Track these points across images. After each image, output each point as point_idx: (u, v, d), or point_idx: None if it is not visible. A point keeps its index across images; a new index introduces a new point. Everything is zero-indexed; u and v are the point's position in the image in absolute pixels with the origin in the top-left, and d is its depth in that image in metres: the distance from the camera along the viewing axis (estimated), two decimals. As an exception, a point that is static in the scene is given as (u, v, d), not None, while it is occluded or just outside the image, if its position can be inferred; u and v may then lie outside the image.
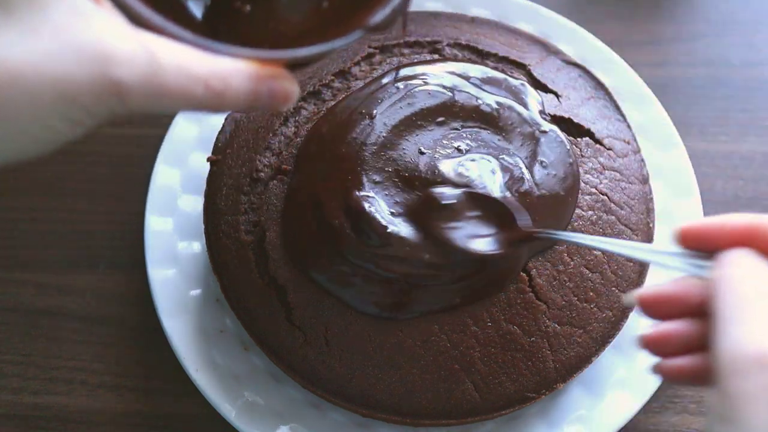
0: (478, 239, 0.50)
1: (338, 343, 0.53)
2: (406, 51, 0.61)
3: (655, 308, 0.40)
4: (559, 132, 0.57)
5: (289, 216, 0.55)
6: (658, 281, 0.41)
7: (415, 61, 0.60)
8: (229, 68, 0.36)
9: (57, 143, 0.35)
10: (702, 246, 0.39)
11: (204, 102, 0.36)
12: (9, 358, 0.61)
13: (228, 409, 0.56)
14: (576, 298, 0.54)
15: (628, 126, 0.62)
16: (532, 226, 0.51)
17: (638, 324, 0.59)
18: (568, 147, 0.56)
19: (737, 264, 0.36)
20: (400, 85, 0.56)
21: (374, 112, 0.55)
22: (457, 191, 0.52)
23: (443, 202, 0.51)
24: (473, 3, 0.70)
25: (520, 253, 0.53)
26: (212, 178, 0.59)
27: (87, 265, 0.64)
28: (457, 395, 0.53)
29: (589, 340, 0.55)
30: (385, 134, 0.54)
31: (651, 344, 0.40)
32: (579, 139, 0.58)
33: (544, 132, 0.56)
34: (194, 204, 0.63)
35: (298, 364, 0.54)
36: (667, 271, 0.41)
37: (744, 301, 0.34)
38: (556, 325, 0.54)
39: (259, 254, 0.55)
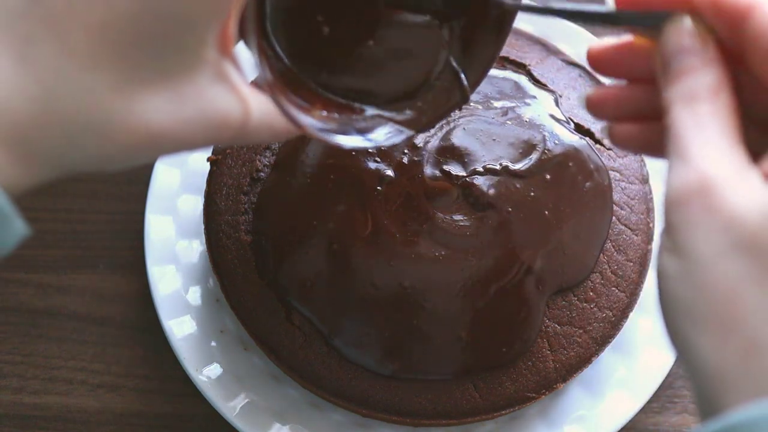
0: None
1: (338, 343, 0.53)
2: (406, 51, 0.61)
3: (604, 64, 0.38)
4: (565, 130, 0.56)
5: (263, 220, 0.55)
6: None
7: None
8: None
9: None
10: (641, 6, 0.35)
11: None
12: (9, 358, 0.61)
13: (228, 409, 0.56)
14: (576, 298, 0.54)
15: (628, 126, 0.62)
16: None
17: (638, 324, 0.59)
18: (582, 143, 0.56)
19: (686, 76, 0.33)
20: None
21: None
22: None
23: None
24: (473, 3, 0.70)
25: (538, 313, 0.53)
26: (212, 178, 0.59)
27: (87, 265, 0.64)
28: (457, 395, 0.53)
29: (589, 340, 0.55)
30: None
31: (594, 104, 0.38)
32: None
33: (551, 130, 0.56)
34: (194, 204, 0.63)
35: (298, 364, 0.54)
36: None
37: (691, 131, 0.32)
38: (556, 325, 0.54)
39: (259, 254, 0.55)
